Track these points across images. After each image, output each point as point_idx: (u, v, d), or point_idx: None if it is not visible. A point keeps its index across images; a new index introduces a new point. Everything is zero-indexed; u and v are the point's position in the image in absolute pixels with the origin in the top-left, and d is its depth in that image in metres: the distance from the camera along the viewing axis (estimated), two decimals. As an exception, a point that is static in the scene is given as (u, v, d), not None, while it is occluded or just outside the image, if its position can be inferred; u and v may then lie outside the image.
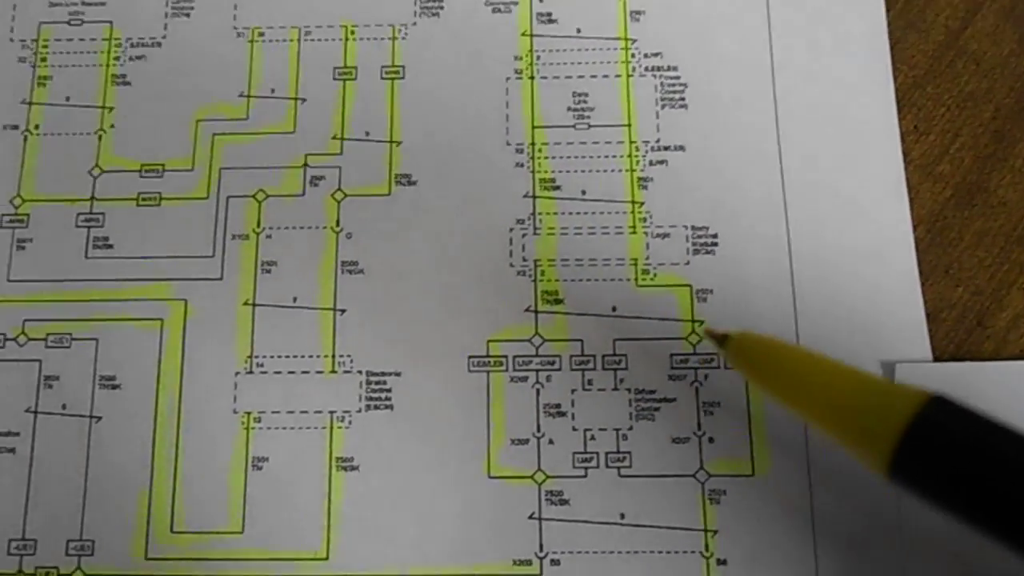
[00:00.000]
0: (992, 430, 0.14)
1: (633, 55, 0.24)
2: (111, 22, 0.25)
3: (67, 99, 0.24)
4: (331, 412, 0.22)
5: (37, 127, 0.24)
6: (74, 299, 0.23)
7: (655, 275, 0.22)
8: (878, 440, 0.14)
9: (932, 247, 0.22)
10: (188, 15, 0.25)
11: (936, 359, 0.22)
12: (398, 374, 0.22)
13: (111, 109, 0.24)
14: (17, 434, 0.22)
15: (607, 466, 0.21)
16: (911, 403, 0.14)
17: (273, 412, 0.22)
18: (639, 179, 0.23)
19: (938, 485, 0.14)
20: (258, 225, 0.23)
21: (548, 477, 0.21)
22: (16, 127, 0.24)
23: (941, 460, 0.14)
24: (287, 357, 0.22)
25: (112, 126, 0.24)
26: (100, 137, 0.24)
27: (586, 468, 0.21)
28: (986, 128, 0.23)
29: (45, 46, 0.24)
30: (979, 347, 0.22)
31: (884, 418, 0.14)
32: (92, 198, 0.23)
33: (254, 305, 0.22)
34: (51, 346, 0.22)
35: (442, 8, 0.24)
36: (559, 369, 0.22)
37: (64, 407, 0.22)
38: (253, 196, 0.23)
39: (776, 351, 0.16)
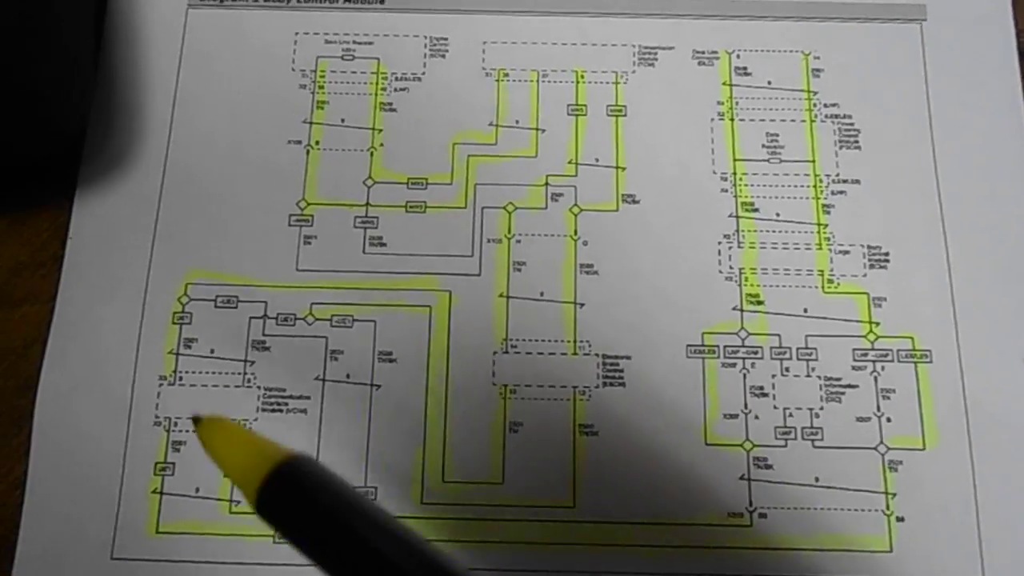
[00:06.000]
0: (329, 489, 0.17)
1: (815, 104, 0.29)
2: (378, 58, 0.29)
3: (342, 120, 0.29)
4: (574, 387, 0.26)
5: (317, 143, 0.29)
6: (354, 287, 0.27)
7: (838, 284, 0.27)
8: (248, 488, 0.17)
9: (1062, 269, 0.27)
10: (444, 56, 0.29)
11: (1070, 360, 0.26)
12: (628, 357, 0.26)
13: (380, 131, 0.29)
14: (308, 398, 0.26)
15: (803, 439, 0.26)
16: (270, 461, 0.17)
17: (526, 385, 0.26)
18: (823, 205, 0.28)
19: (283, 526, 0.17)
20: (509, 231, 0.28)
21: (755, 446, 0.26)
22: (300, 142, 0.28)
23: (284, 507, 0.17)
24: (536, 340, 0.27)
25: (382, 145, 0.28)
26: (372, 153, 0.28)
27: (786, 439, 0.26)
28: (1103, 175, 0.28)
29: (322, 75, 0.29)
30: (1102, 352, 0.27)
31: (255, 470, 0.17)
32: (367, 204, 0.28)
33: (508, 297, 0.27)
34: (335, 325, 0.27)
35: (656, 60, 0.29)
36: (761, 358, 0.26)
37: (348, 376, 0.26)
38: (504, 208, 0.28)
39: (222, 430, 0.19)
